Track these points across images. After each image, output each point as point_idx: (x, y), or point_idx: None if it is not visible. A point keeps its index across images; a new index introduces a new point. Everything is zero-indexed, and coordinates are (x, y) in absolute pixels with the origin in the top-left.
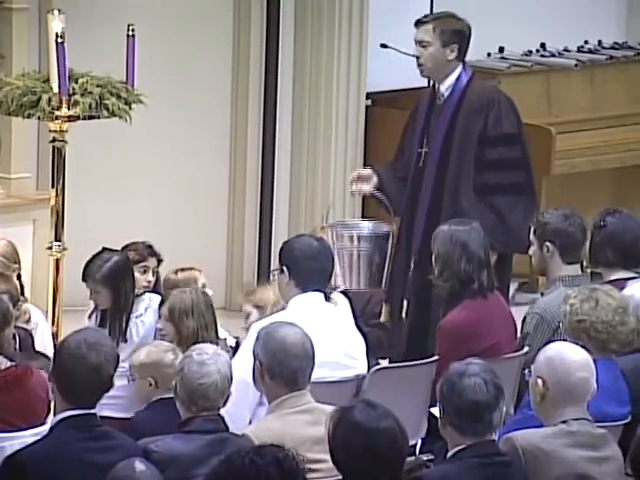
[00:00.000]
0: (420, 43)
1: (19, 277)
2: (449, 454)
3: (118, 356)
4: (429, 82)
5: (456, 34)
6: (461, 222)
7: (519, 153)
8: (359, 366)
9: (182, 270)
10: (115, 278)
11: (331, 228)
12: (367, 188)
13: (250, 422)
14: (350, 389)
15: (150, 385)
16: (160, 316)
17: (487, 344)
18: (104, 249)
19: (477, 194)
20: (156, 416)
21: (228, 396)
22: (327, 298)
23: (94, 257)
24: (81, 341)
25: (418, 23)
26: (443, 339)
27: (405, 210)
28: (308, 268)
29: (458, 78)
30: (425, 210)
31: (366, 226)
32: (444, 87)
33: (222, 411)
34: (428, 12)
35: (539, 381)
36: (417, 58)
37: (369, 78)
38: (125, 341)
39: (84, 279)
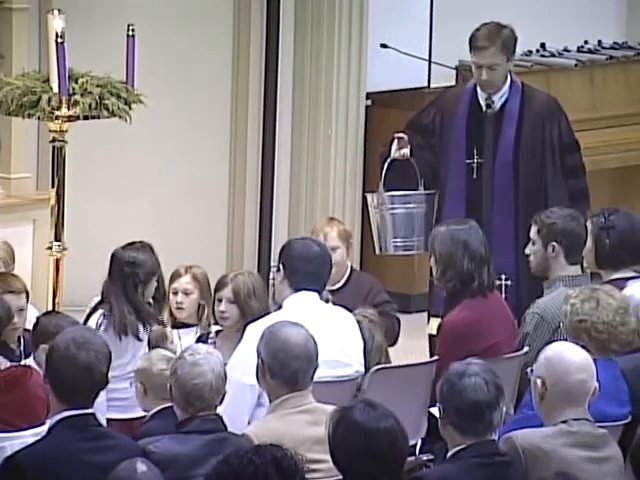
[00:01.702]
0: (490, 67)
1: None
2: (449, 454)
3: (110, 353)
4: (429, 83)
5: (514, 43)
6: (459, 222)
7: (582, 159)
8: (356, 364)
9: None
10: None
11: (377, 194)
12: (407, 152)
13: (249, 423)
14: (350, 389)
15: (143, 390)
16: (221, 300)
17: (487, 344)
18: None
19: (570, 201)
20: (164, 424)
21: (224, 394)
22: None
23: (144, 255)
24: (69, 341)
25: (479, 48)
26: (443, 339)
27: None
28: (303, 270)
29: (511, 87)
30: (501, 224)
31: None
32: (497, 96)
33: (220, 412)
34: (428, 12)
35: (538, 381)
36: (484, 81)
37: (369, 78)
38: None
39: (151, 277)
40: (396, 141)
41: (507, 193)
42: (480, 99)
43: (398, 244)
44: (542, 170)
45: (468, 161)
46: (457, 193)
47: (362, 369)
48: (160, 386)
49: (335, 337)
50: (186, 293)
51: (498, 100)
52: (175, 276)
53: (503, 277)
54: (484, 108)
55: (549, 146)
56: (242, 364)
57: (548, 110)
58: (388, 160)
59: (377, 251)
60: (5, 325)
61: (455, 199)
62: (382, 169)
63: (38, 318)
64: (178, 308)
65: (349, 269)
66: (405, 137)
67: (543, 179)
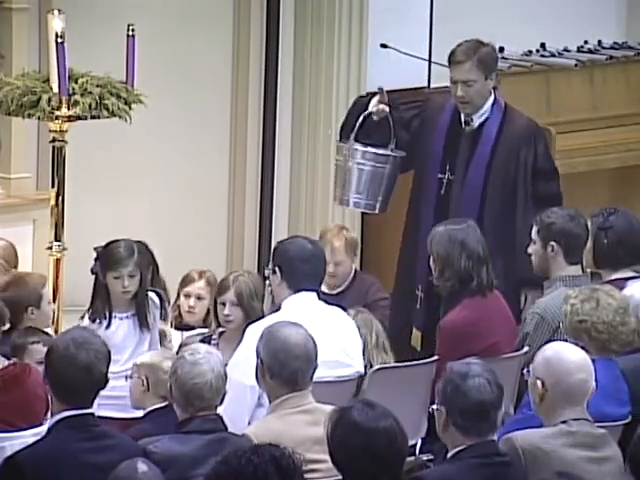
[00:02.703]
0: (465, 83)
1: None
2: (449, 454)
3: (109, 352)
4: (429, 83)
5: (495, 62)
6: (456, 221)
7: (560, 188)
8: (356, 364)
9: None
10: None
11: (346, 144)
12: (386, 109)
13: (249, 424)
14: (350, 389)
15: (142, 385)
16: (225, 303)
17: (487, 343)
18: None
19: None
20: (155, 427)
21: (224, 394)
22: (320, 298)
23: (113, 247)
24: (69, 341)
25: (455, 62)
26: (443, 339)
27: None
28: (301, 270)
29: (492, 106)
30: None
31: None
32: (476, 115)
33: (220, 412)
34: (428, 12)
35: (538, 382)
36: (459, 97)
37: (369, 78)
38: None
39: (119, 267)
40: (377, 96)
41: (473, 214)
42: (461, 114)
43: (359, 200)
44: (513, 195)
45: (440, 176)
46: (426, 207)
47: (362, 369)
48: (164, 382)
49: (335, 337)
50: (199, 297)
51: (477, 118)
52: (188, 280)
53: None
54: (463, 124)
55: (522, 171)
56: (242, 364)
57: (527, 134)
58: (365, 113)
59: (335, 201)
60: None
61: (425, 212)
62: (352, 117)
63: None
64: (189, 312)
65: (353, 272)
66: (386, 96)
67: (512, 204)
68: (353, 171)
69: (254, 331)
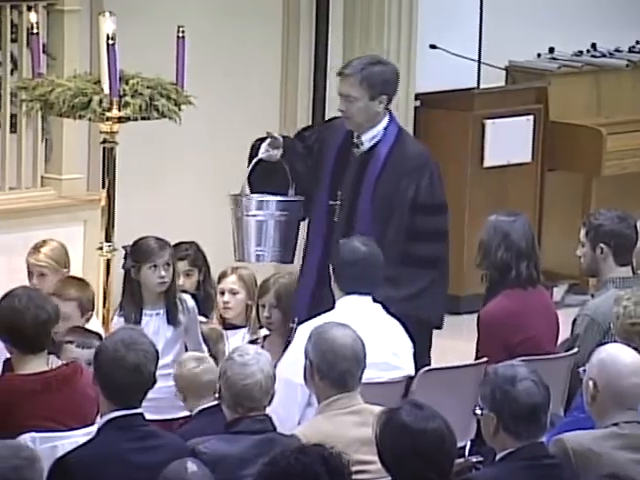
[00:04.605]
0: (346, 97)
1: None
2: (498, 456)
3: (157, 352)
4: (478, 84)
5: (385, 84)
6: (508, 213)
7: (444, 224)
8: (406, 367)
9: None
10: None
11: (239, 196)
12: (277, 155)
13: (299, 423)
14: (399, 390)
15: (183, 396)
16: (265, 305)
17: (525, 336)
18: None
19: (402, 263)
20: (200, 428)
21: (273, 395)
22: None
23: (145, 240)
24: (118, 342)
25: (341, 74)
26: (482, 329)
27: (314, 264)
28: (349, 274)
29: (385, 130)
30: None
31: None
32: (366, 137)
33: (270, 412)
34: (478, 13)
35: (590, 383)
36: (341, 111)
37: (418, 79)
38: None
39: (155, 257)
40: (268, 140)
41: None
42: (354, 136)
43: (261, 253)
44: (387, 227)
45: (330, 202)
46: (315, 235)
47: (412, 372)
48: (194, 386)
49: (386, 340)
50: (232, 292)
51: (368, 142)
52: (221, 276)
53: None
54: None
55: (399, 204)
56: (292, 364)
57: (413, 165)
58: (254, 160)
59: (236, 258)
60: (52, 325)
61: (313, 240)
62: (249, 166)
63: None
64: (225, 307)
65: None
66: (280, 138)
67: (386, 236)
68: (251, 223)
69: (304, 331)
